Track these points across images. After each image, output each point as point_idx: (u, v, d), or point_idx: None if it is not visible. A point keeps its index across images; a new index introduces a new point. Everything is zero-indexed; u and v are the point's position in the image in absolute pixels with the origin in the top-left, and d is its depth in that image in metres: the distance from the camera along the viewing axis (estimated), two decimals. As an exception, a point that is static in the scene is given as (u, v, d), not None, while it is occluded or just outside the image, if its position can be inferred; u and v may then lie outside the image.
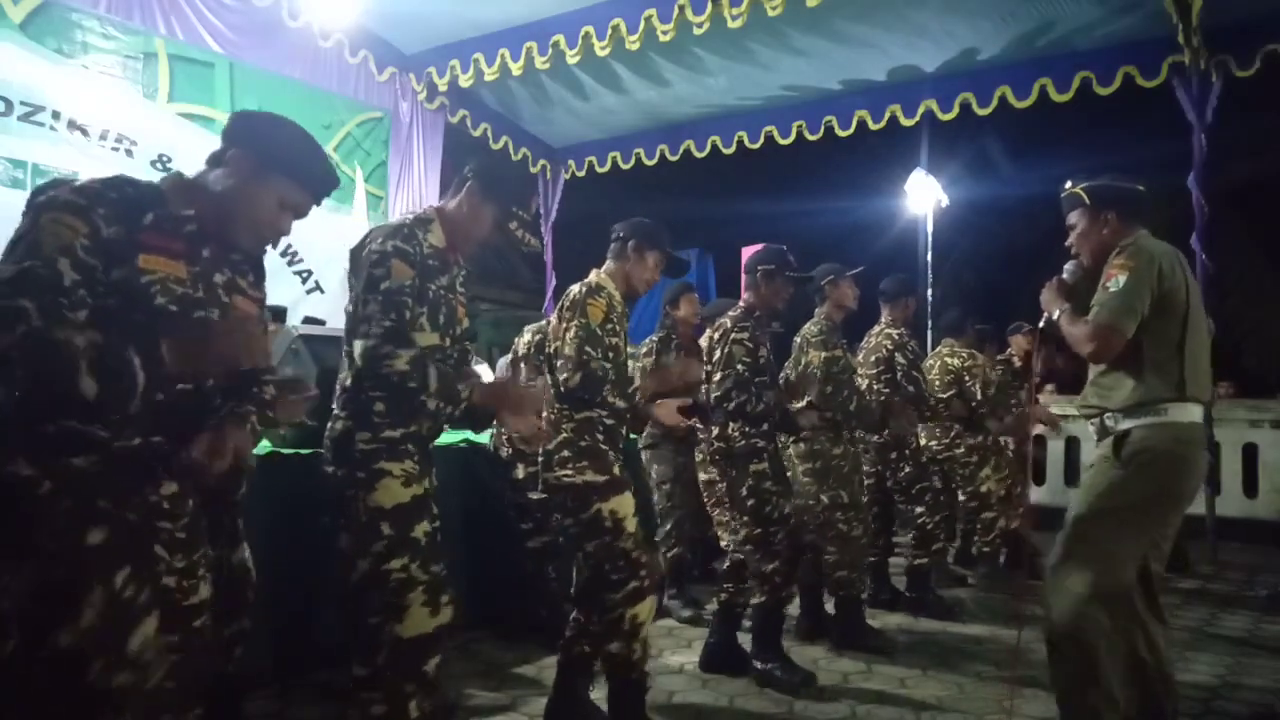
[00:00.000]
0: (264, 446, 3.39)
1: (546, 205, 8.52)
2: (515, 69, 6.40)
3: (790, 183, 17.40)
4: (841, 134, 7.23)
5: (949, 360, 5.58)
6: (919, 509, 4.69)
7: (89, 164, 5.00)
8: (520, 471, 3.99)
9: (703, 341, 3.87)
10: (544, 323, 4.28)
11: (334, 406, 2.31)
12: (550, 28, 6.15)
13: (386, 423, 2.23)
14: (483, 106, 7.71)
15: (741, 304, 3.79)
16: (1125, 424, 2.58)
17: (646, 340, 4.83)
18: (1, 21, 4.88)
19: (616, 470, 2.83)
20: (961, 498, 5.56)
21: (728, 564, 3.66)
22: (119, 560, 1.54)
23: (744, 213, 15.39)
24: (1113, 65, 6.05)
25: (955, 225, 16.17)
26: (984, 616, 4.62)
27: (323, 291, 6.31)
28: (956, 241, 17.98)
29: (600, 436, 2.81)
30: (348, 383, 2.28)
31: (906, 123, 6.98)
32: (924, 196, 12.49)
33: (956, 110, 6.75)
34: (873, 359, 4.72)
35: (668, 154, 7.95)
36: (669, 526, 4.64)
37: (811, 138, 7.36)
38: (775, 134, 7.43)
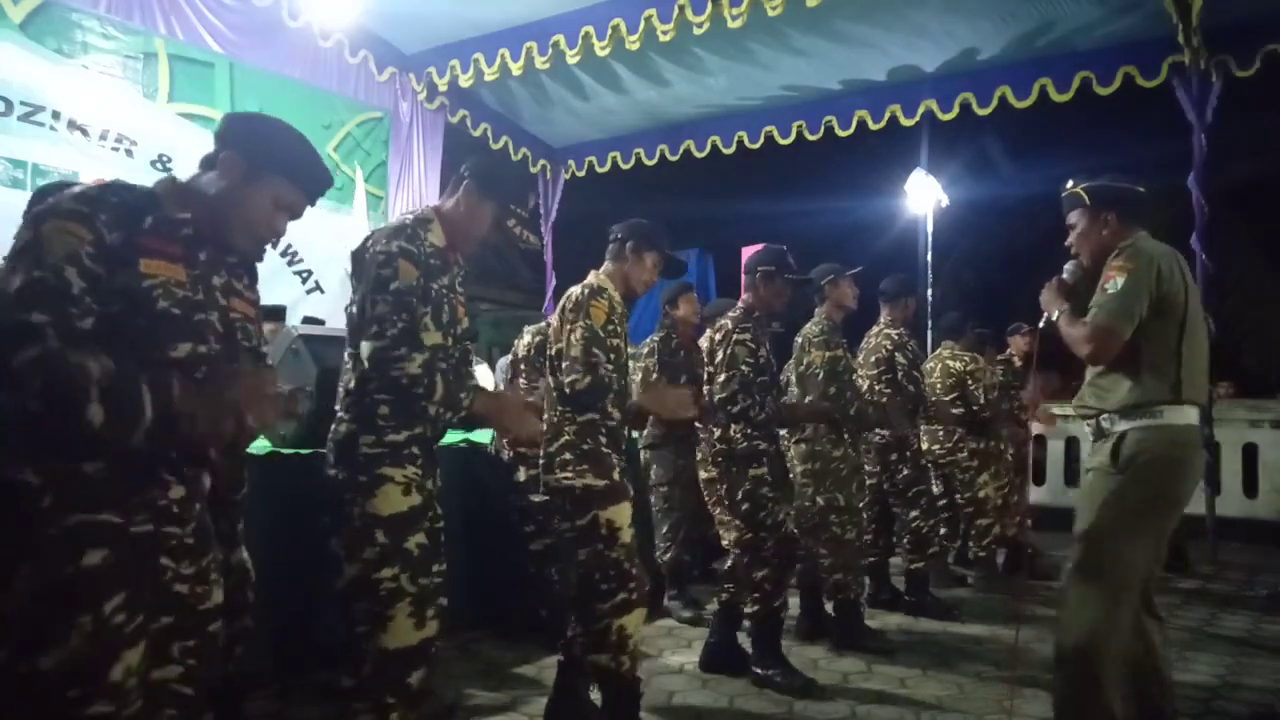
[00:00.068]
0: (264, 446, 3.39)
1: (546, 205, 8.52)
2: (515, 69, 6.41)
3: (790, 183, 17.41)
4: (841, 134, 7.24)
5: (950, 363, 5.57)
6: (913, 512, 4.68)
7: (89, 164, 5.01)
8: (522, 474, 3.99)
9: (703, 342, 3.87)
10: (543, 324, 4.28)
11: (338, 409, 2.31)
12: (550, 28, 6.16)
13: (391, 426, 2.22)
14: (483, 106, 7.71)
15: (741, 305, 3.79)
16: (1121, 426, 2.58)
17: (647, 340, 4.83)
18: (1, 21, 4.88)
19: (617, 475, 2.82)
20: (960, 501, 5.56)
21: (728, 564, 3.65)
22: (114, 585, 1.53)
23: (744, 213, 15.41)
24: (1113, 65, 6.06)
25: (955, 225, 16.18)
26: (983, 617, 4.62)
27: (323, 291, 6.32)
28: (956, 241, 17.99)
29: (603, 439, 2.80)
30: (352, 385, 2.26)
31: (906, 123, 6.99)
32: (924, 196, 12.49)
33: (956, 110, 6.76)
34: (873, 359, 4.72)
35: (668, 154, 7.96)
36: (668, 527, 4.64)
37: (811, 138, 7.37)
38: (775, 134, 7.44)
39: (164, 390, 1.51)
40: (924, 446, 5.17)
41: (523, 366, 4.35)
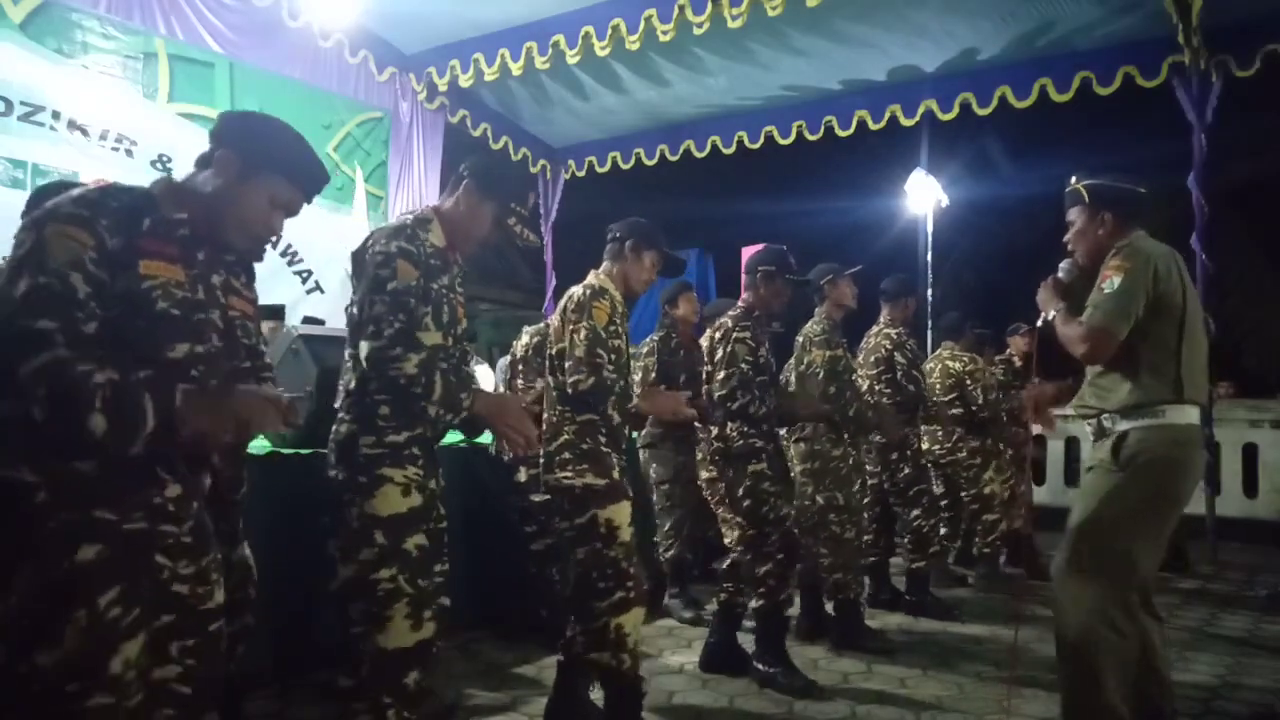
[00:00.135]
0: (264, 446, 3.39)
1: (546, 205, 8.52)
2: (515, 69, 6.41)
3: (790, 183, 17.40)
4: (841, 134, 7.24)
5: (950, 364, 5.58)
6: (915, 512, 4.68)
7: (89, 164, 5.01)
8: (523, 474, 3.99)
9: (703, 341, 3.87)
10: (542, 325, 4.28)
11: (338, 409, 2.31)
12: (550, 28, 6.16)
13: (391, 426, 2.22)
14: (483, 106, 7.71)
15: (741, 304, 3.79)
16: (1122, 425, 2.58)
17: (647, 340, 4.83)
18: (1, 21, 4.89)
19: (617, 474, 2.82)
20: (965, 499, 5.57)
21: (727, 563, 3.65)
22: (109, 579, 1.53)
23: (744, 213, 15.40)
24: (1113, 65, 6.06)
25: (955, 225, 16.17)
26: (984, 616, 4.62)
27: (323, 291, 6.33)
28: (956, 241, 17.98)
29: (602, 439, 2.80)
30: (352, 385, 2.26)
31: (906, 123, 6.99)
32: (924, 196, 12.49)
33: (956, 110, 6.76)
34: (872, 359, 4.73)
35: (668, 154, 7.96)
36: (668, 526, 4.64)
37: (811, 138, 7.37)
38: (775, 134, 7.44)
39: (166, 400, 1.52)
40: (924, 446, 5.17)
41: (520, 367, 4.35)
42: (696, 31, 5.69)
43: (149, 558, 1.60)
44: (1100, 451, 2.65)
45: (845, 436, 4.13)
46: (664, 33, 5.74)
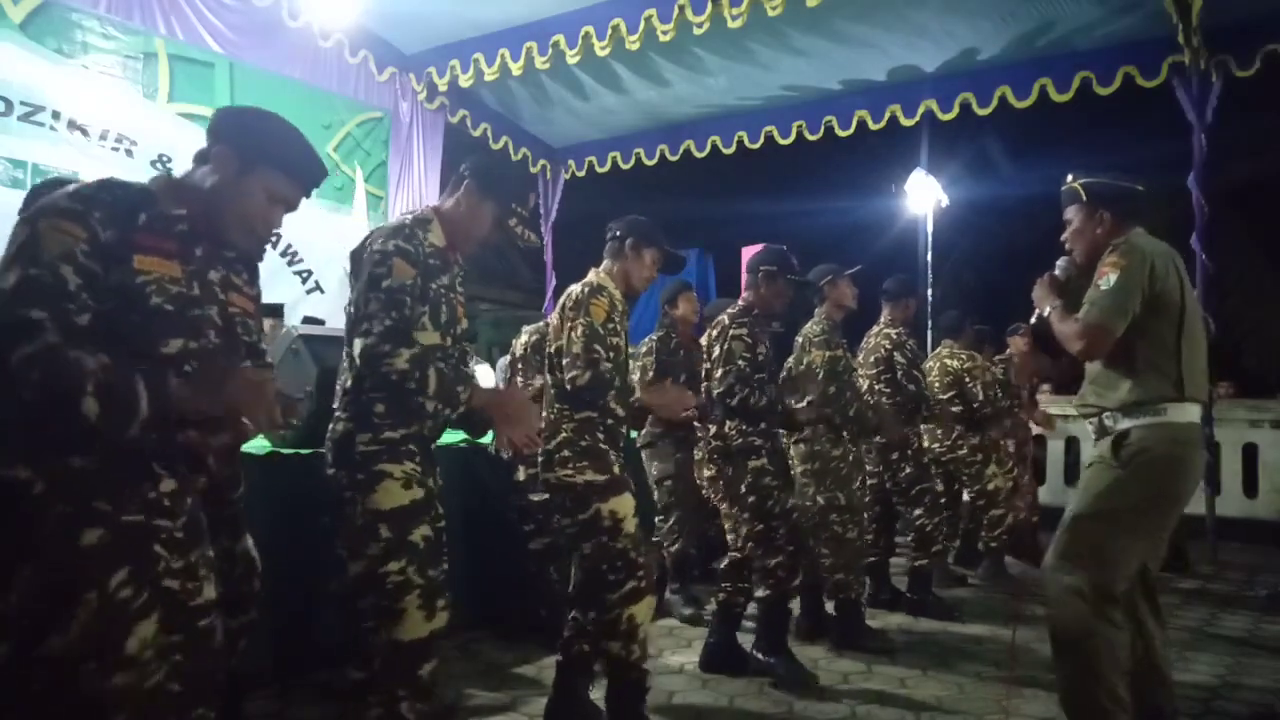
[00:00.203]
0: (264, 446, 3.39)
1: (546, 205, 8.52)
2: (515, 69, 6.41)
3: (790, 183, 17.39)
4: (841, 134, 7.23)
5: (949, 362, 5.59)
6: (917, 510, 4.68)
7: (89, 164, 5.01)
8: (521, 473, 3.99)
9: (702, 340, 3.87)
10: (542, 323, 4.29)
11: (335, 408, 2.31)
12: (550, 28, 6.16)
13: (387, 424, 2.22)
14: (483, 106, 7.71)
15: (740, 302, 3.80)
16: (1124, 424, 2.58)
17: (646, 339, 4.83)
18: (1, 21, 4.89)
19: (617, 470, 2.83)
20: (968, 497, 5.57)
21: (726, 563, 3.65)
22: (115, 561, 1.53)
23: (744, 213, 15.39)
24: (1113, 65, 6.06)
25: (955, 225, 16.17)
26: (984, 616, 4.62)
27: (323, 291, 6.32)
28: (956, 241, 17.98)
29: (601, 436, 2.81)
30: (348, 384, 2.27)
31: (906, 123, 6.99)
32: (924, 196, 12.49)
33: (956, 110, 6.75)
34: (872, 359, 4.73)
35: (668, 154, 7.96)
36: (672, 521, 4.66)
37: (811, 138, 7.37)
38: (775, 134, 7.44)
39: (159, 385, 1.52)
40: (924, 444, 5.17)
41: (520, 365, 4.35)
42: (696, 31, 5.69)
43: (149, 547, 1.60)
44: (1101, 448, 2.65)
45: (845, 436, 4.13)
46: (664, 33, 5.74)
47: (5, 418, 1.53)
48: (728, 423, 3.53)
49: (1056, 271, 2.84)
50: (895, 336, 4.75)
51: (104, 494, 1.55)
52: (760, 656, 3.54)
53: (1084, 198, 2.74)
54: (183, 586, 1.65)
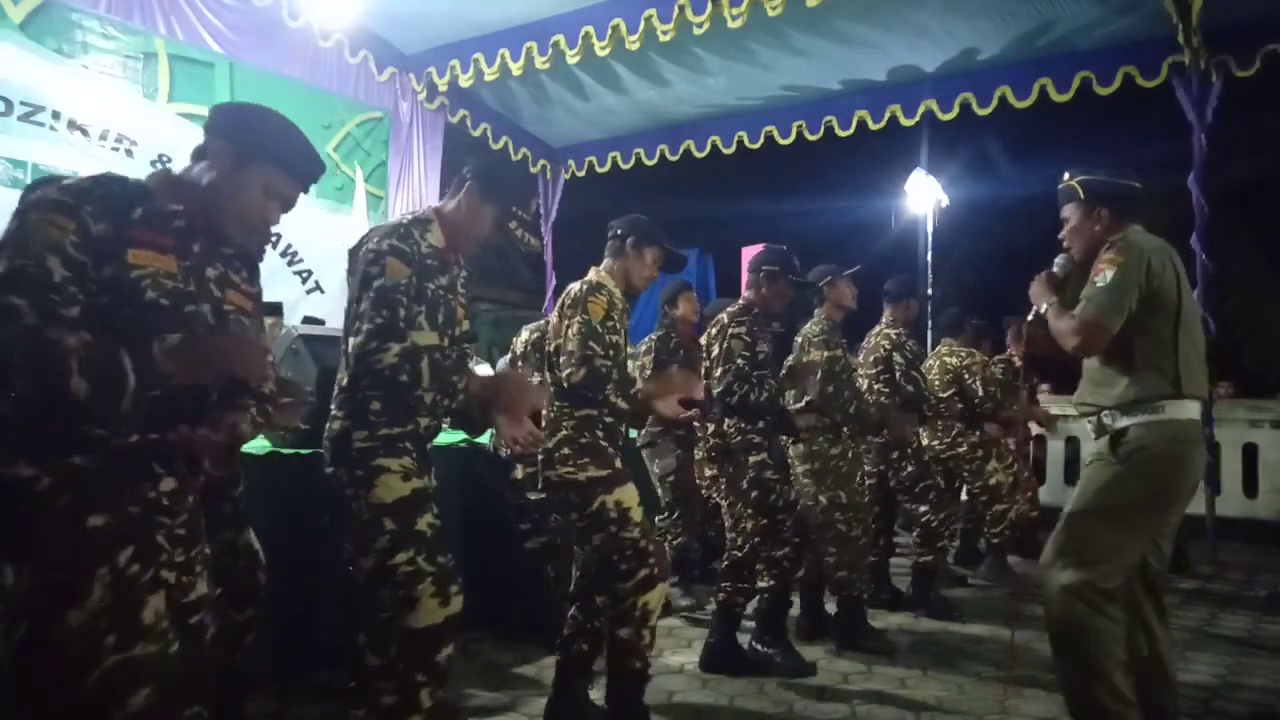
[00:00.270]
0: (264, 446, 3.39)
1: (546, 205, 8.52)
2: (515, 69, 6.41)
3: (790, 183, 17.40)
4: (841, 134, 7.23)
5: (948, 359, 5.59)
6: (923, 507, 4.68)
7: (89, 164, 5.00)
8: (519, 471, 3.99)
9: (702, 340, 3.88)
10: (542, 322, 4.29)
11: (332, 407, 2.31)
12: (550, 28, 6.15)
13: (384, 421, 2.23)
14: (483, 106, 7.71)
15: (741, 301, 3.80)
16: (1123, 422, 2.57)
17: (645, 339, 4.83)
18: (1, 21, 4.88)
19: (618, 464, 2.84)
20: (973, 492, 5.57)
21: (726, 563, 3.66)
22: (122, 541, 1.55)
23: (744, 213, 15.39)
24: (1113, 65, 6.06)
25: (955, 225, 16.17)
26: (984, 616, 4.62)
27: (323, 291, 6.31)
28: (956, 241, 17.98)
29: (600, 433, 2.82)
30: (344, 382, 2.28)
31: (906, 123, 6.98)
32: (924, 196, 12.49)
33: (956, 110, 6.75)
34: (871, 359, 4.73)
35: (668, 154, 7.96)
36: (674, 516, 4.67)
37: (811, 138, 7.36)
38: (775, 134, 7.43)
39: (144, 354, 1.52)
40: (924, 442, 5.18)
41: (520, 364, 4.35)
42: (696, 31, 5.69)
43: (152, 535, 1.62)
44: (1099, 446, 2.65)
45: (844, 434, 4.14)
46: (664, 33, 5.73)
47: (5, 417, 1.53)
48: (726, 421, 3.54)
49: (1055, 268, 2.84)
50: (895, 337, 4.75)
51: (106, 490, 1.56)
52: (760, 648, 3.55)
53: (1081, 195, 2.74)
54: (178, 581, 1.66)
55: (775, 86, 7.11)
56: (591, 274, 2.94)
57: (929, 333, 10.33)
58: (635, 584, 2.72)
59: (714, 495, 3.77)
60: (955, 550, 5.79)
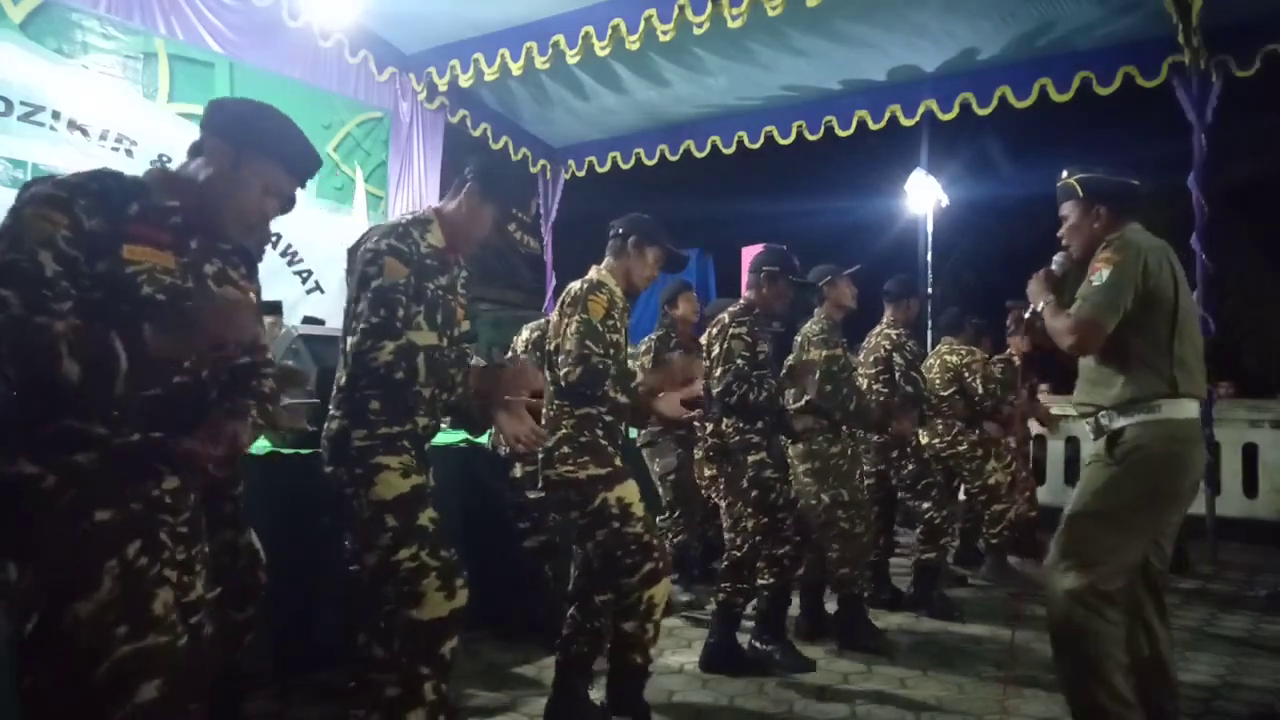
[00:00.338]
0: (264, 446, 3.39)
1: (546, 205, 8.52)
2: (515, 69, 6.40)
3: (790, 183, 17.40)
4: (841, 134, 7.23)
5: (948, 358, 5.59)
6: (925, 504, 4.69)
7: (89, 164, 4.90)
8: (518, 470, 3.99)
9: (702, 339, 3.88)
10: (543, 321, 4.29)
11: (330, 406, 2.31)
12: (550, 28, 6.15)
13: (382, 420, 2.23)
14: (483, 106, 7.71)
15: (742, 301, 3.80)
16: (1119, 422, 2.57)
17: (645, 339, 4.84)
18: (1, 21, 4.88)
19: (618, 462, 2.84)
20: (971, 492, 5.57)
21: (726, 563, 3.66)
22: (129, 535, 1.56)
23: (744, 213, 15.39)
24: (1113, 65, 6.05)
25: (955, 225, 16.18)
26: (984, 616, 4.62)
27: (323, 291, 6.31)
28: (956, 241, 17.99)
29: (600, 432, 2.82)
30: (342, 382, 2.29)
31: (906, 123, 6.98)
32: (924, 196, 12.49)
33: (956, 110, 6.75)
34: (871, 359, 4.74)
35: (668, 154, 7.95)
36: (676, 514, 4.68)
37: (811, 138, 7.36)
38: (775, 134, 7.43)
39: (134, 334, 1.52)
40: (924, 441, 5.18)
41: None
42: (696, 31, 5.68)
43: (156, 532, 1.62)
44: (1097, 447, 2.65)
45: (844, 433, 4.14)
46: (664, 33, 5.73)
47: (5, 417, 1.53)
48: (724, 421, 3.55)
49: (1053, 266, 2.84)
50: (895, 337, 4.76)
51: (109, 487, 1.57)
52: (759, 645, 3.55)
53: (1080, 193, 2.73)
54: (179, 580, 1.66)
55: (775, 86, 7.10)
56: (592, 272, 2.94)
57: (929, 332, 10.34)
58: (640, 578, 2.73)
59: (713, 495, 3.76)
60: (955, 550, 5.79)
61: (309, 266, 6.28)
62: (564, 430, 2.81)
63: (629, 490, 2.78)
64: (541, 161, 8.40)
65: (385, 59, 6.92)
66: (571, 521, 2.89)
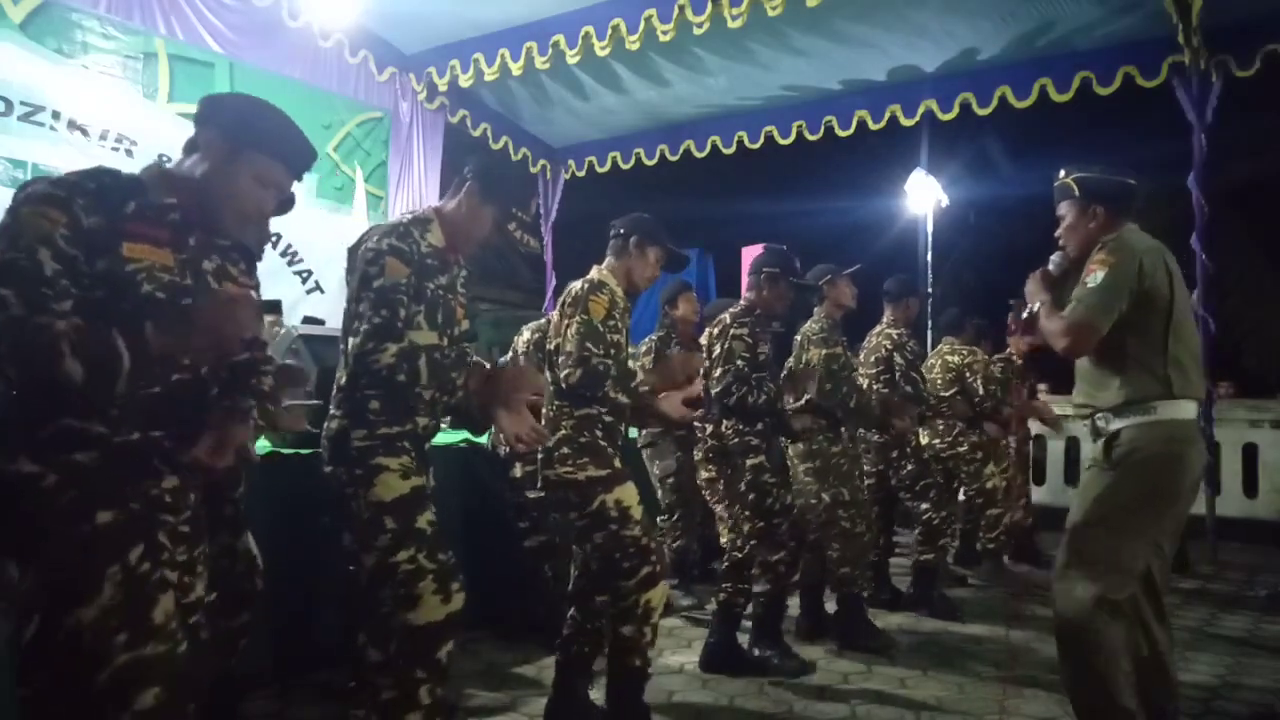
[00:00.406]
0: (264, 446, 3.39)
1: (546, 205, 8.52)
2: (515, 69, 6.41)
3: (790, 183, 17.39)
4: (841, 134, 7.23)
5: (949, 358, 5.59)
6: (924, 505, 4.69)
7: (89, 164, 4.91)
8: (518, 470, 3.99)
9: (703, 340, 3.88)
10: (543, 321, 4.29)
11: (330, 406, 2.31)
12: (550, 28, 6.15)
13: (382, 420, 2.23)
14: (483, 106, 7.71)
15: (742, 302, 3.80)
16: (1116, 424, 2.56)
17: (646, 339, 4.83)
18: (1, 21, 4.88)
19: (617, 463, 2.84)
20: (969, 494, 5.57)
21: (726, 564, 3.66)
22: (131, 538, 1.56)
23: (744, 213, 15.39)
24: (1113, 65, 6.06)
25: (955, 225, 16.18)
26: (984, 616, 4.62)
27: (323, 291, 6.32)
28: (956, 241, 18.00)
29: (599, 433, 2.81)
30: (343, 382, 2.29)
31: (906, 123, 6.98)
32: (924, 196, 12.49)
33: (956, 110, 6.75)
34: (872, 359, 4.74)
35: (668, 154, 7.95)
36: (676, 517, 4.67)
37: (811, 138, 7.36)
38: (775, 134, 7.43)
39: (136, 332, 1.52)
40: (924, 441, 5.18)
41: (521, 363, 4.35)
42: (696, 31, 5.69)
43: (156, 533, 1.62)
44: (1095, 450, 2.64)
45: (844, 433, 4.14)
46: (664, 33, 5.73)
47: (6, 416, 1.53)
48: (724, 422, 3.54)
49: (1050, 266, 2.83)
50: (896, 337, 4.76)
51: (109, 486, 1.57)
52: (757, 652, 3.55)
53: (1077, 192, 2.73)
54: (180, 580, 1.66)
55: (775, 86, 7.11)
56: (593, 272, 2.94)
57: (929, 332, 10.34)
58: (638, 581, 2.72)
59: (710, 498, 3.76)
60: (955, 550, 5.79)
61: (309, 266, 6.29)
62: (564, 431, 2.80)
63: (628, 493, 2.78)
64: (541, 161, 8.40)
65: (385, 59, 6.92)
66: (570, 522, 2.89)
